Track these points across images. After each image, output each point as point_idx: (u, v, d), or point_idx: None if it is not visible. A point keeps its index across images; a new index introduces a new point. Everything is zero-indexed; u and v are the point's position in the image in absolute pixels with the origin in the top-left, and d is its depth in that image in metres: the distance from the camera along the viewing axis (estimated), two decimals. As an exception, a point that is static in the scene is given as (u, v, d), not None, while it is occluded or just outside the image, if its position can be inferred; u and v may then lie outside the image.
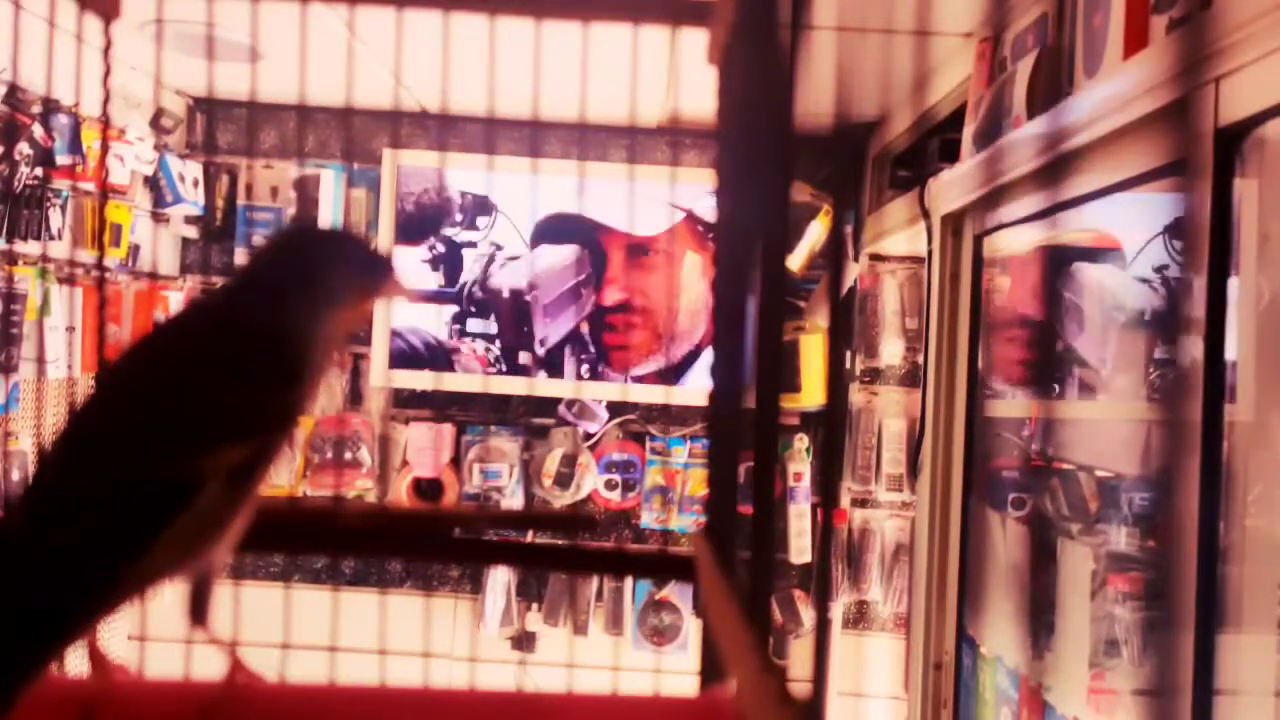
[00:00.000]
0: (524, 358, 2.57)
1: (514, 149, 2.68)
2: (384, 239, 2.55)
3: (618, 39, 0.86)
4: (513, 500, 2.62)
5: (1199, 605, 0.96)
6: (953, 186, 1.75)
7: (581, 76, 1.01)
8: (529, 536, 1.23)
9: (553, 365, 2.57)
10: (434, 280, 2.57)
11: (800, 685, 0.45)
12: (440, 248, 2.57)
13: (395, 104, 2.50)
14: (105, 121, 0.88)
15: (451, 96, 2.32)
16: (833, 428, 1.74)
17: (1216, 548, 0.98)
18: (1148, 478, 1.37)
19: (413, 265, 2.56)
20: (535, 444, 2.63)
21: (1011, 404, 1.75)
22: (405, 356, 2.57)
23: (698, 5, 0.85)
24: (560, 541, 1.01)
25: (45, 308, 2.05)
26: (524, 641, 2.64)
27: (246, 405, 0.60)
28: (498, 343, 2.57)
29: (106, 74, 0.82)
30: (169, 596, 0.60)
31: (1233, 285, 1.00)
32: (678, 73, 2.05)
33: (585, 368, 2.57)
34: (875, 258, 2.58)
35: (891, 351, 2.60)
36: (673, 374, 2.59)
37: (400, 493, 2.64)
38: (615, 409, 2.65)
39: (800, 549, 2.52)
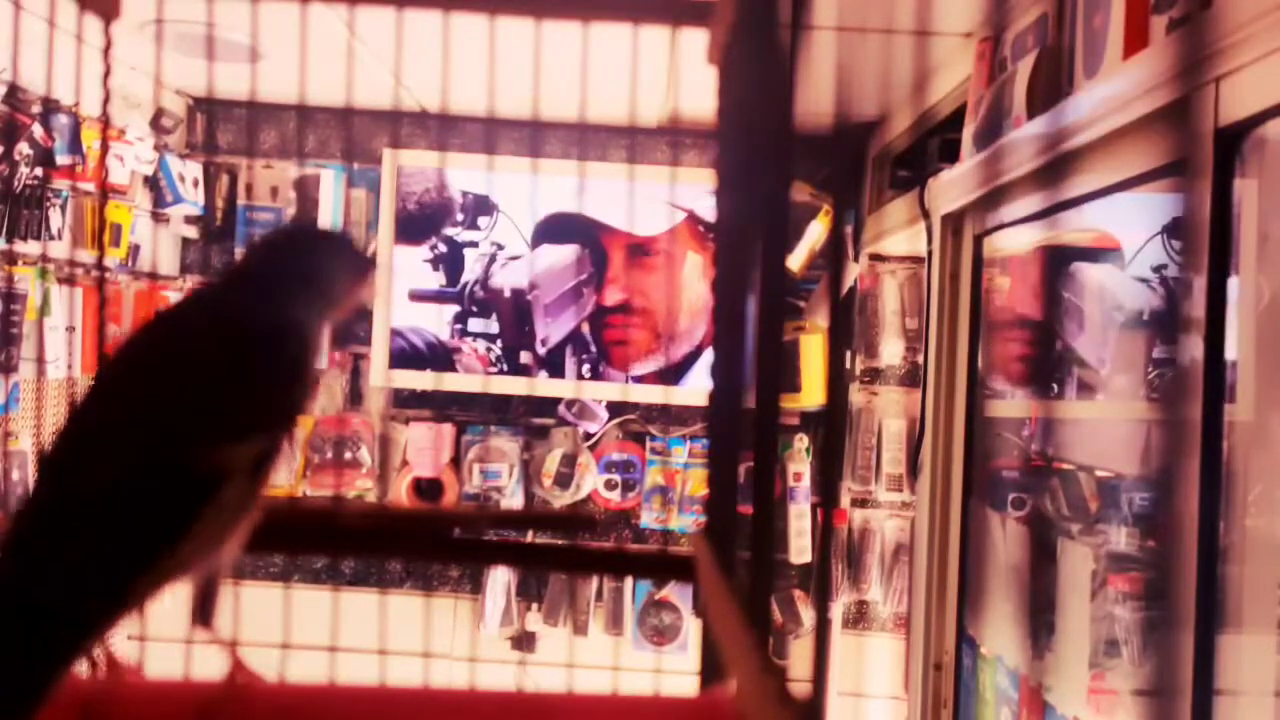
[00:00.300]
0: (525, 357, 2.57)
1: (514, 149, 2.68)
2: (384, 239, 2.55)
3: (618, 39, 0.86)
4: (513, 500, 2.62)
5: (1199, 605, 0.96)
6: (953, 186, 1.75)
7: (581, 76, 1.01)
8: (529, 536, 1.23)
9: (554, 365, 2.57)
10: (435, 280, 2.57)
11: (800, 685, 0.45)
12: (442, 247, 2.57)
13: (395, 104, 2.50)
14: (105, 121, 0.88)
15: (451, 96, 2.32)
16: (833, 428, 1.74)
17: (1216, 548, 0.98)
18: (1148, 478, 1.37)
19: (414, 265, 2.56)
20: (535, 444, 2.63)
21: (1011, 404, 1.75)
22: (406, 356, 2.57)
23: (698, 5, 0.85)
24: (560, 541, 1.01)
25: (45, 308, 2.05)
26: (524, 641, 2.64)
27: (261, 399, 0.61)
28: (499, 342, 2.57)
29: (106, 74, 0.82)
30: (168, 597, 0.60)
31: (1233, 285, 1.00)
32: (678, 73, 2.05)
33: (586, 368, 2.57)
34: (875, 258, 2.58)
35: (891, 351, 2.60)
36: (673, 374, 2.59)
37: (400, 493, 2.64)
38: (615, 409, 2.65)
39: (800, 549, 2.52)
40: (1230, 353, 1.01)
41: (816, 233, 2.39)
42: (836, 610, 2.61)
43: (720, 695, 0.67)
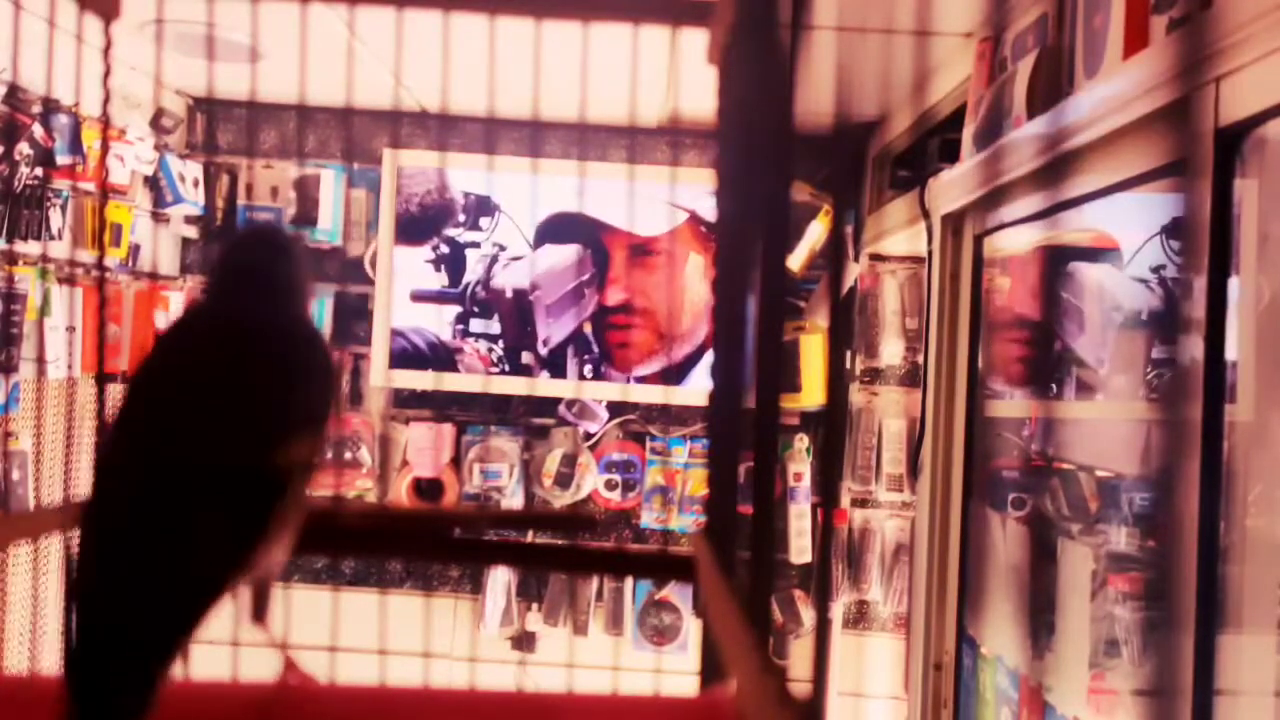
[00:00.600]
0: (527, 358, 2.57)
1: (514, 149, 2.68)
2: (384, 239, 2.55)
3: (618, 39, 0.86)
4: (513, 500, 2.62)
5: (1199, 605, 0.96)
6: (953, 186, 1.75)
7: (581, 76, 1.01)
8: (529, 536, 1.23)
9: (555, 365, 2.57)
10: (437, 281, 2.57)
11: (800, 685, 0.45)
12: (444, 248, 2.57)
13: (395, 104, 2.50)
14: (105, 121, 0.88)
15: (451, 96, 2.32)
16: (833, 428, 1.73)
17: (1216, 548, 0.98)
18: (1148, 478, 1.37)
19: (416, 265, 2.56)
20: (535, 444, 2.63)
21: (1011, 404, 1.75)
22: (408, 356, 2.57)
23: (698, 5, 0.85)
24: (560, 541, 1.01)
25: (45, 308, 2.05)
26: (524, 641, 2.64)
27: (312, 398, 0.63)
28: (500, 343, 2.57)
29: (106, 74, 0.82)
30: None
31: (1233, 285, 1.00)
32: (678, 73, 2.05)
33: (588, 368, 2.57)
34: (875, 258, 2.58)
35: (891, 351, 2.60)
36: (675, 374, 2.59)
37: (400, 493, 2.64)
38: (615, 409, 2.65)
39: (800, 549, 2.52)
40: (1230, 353, 1.01)
41: (816, 233, 2.39)
42: (836, 610, 2.61)
43: (720, 695, 0.67)
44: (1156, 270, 1.36)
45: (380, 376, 2.56)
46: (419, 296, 2.57)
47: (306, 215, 2.60)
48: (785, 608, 2.56)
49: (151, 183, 2.38)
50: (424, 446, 2.63)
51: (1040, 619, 1.48)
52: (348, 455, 2.59)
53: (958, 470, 1.78)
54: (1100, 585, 1.36)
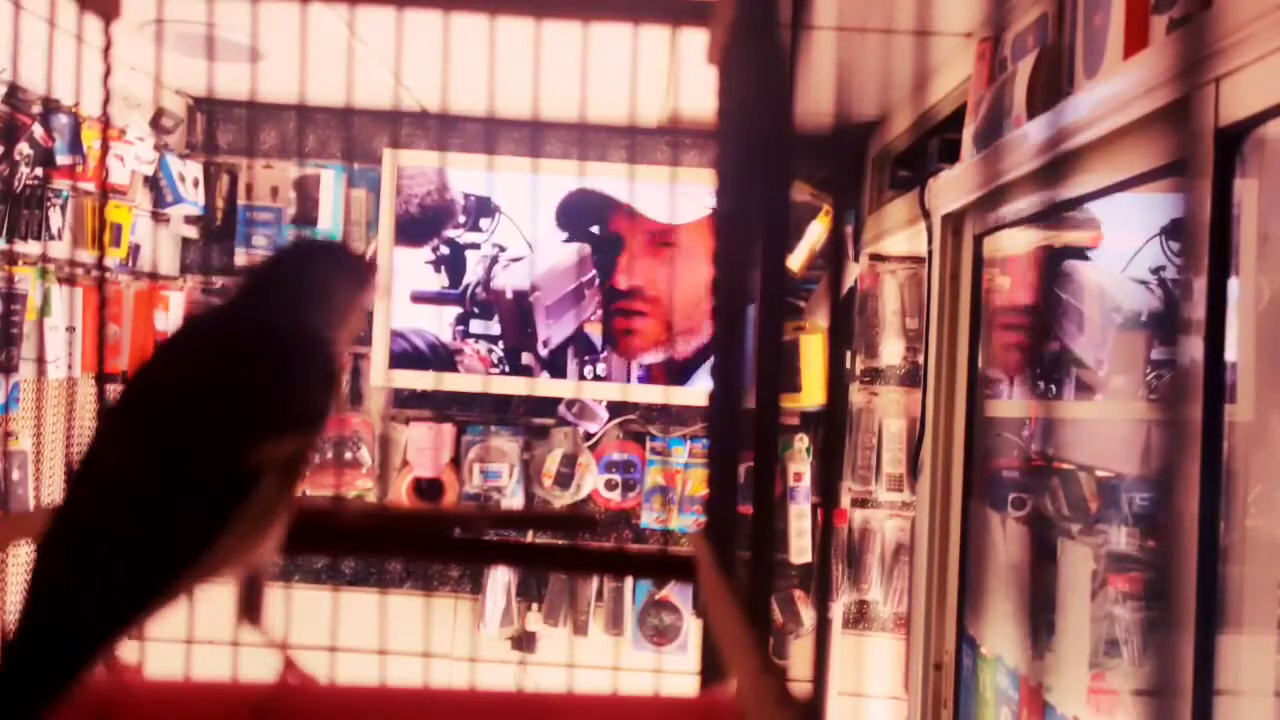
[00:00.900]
0: (527, 359, 2.57)
1: (514, 149, 2.68)
2: (384, 239, 2.55)
3: (618, 39, 0.86)
4: (513, 500, 2.62)
5: (1199, 605, 0.96)
6: (953, 186, 1.75)
7: (581, 76, 1.01)
8: (529, 536, 1.23)
9: (555, 366, 2.57)
10: (437, 282, 2.57)
11: (800, 685, 0.45)
12: (444, 249, 2.57)
13: (395, 104, 2.50)
14: (105, 121, 0.88)
15: (451, 96, 2.32)
16: (833, 428, 1.73)
17: (1216, 548, 0.98)
18: (1148, 478, 1.37)
19: (416, 267, 2.56)
20: (535, 444, 2.63)
21: (1011, 404, 1.75)
22: (408, 357, 2.57)
23: (698, 5, 0.85)
24: (560, 541, 1.01)
25: (45, 308, 2.05)
26: (524, 641, 2.64)
27: (295, 400, 0.63)
28: (501, 344, 2.57)
29: (106, 74, 0.82)
30: (212, 597, 0.61)
31: (1233, 285, 1.00)
32: (678, 73, 2.05)
33: (589, 369, 2.57)
34: (875, 258, 2.58)
35: (891, 351, 2.60)
36: (680, 373, 2.59)
37: (400, 493, 2.64)
38: (615, 409, 2.65)
39: (800, 549, 2.52)
40: (1230, 353, 1.01)
41: (816, 233, 2.39)
42: (836, 610, 2.61)
43: (720, 695, 0.67)
44: (1156, 271, 1.36)
45: (380, 376, 2.56)
46: (419, 298, 2.57)
47: (306, 215, 2.60)
48: (785, 608, 2.56)
49: (151, 183, 2.38)
50: (424, 446, 2.63)
51: (1040, 619, 1.48)
52: (348, 455, 2.59)
53: (958, 470, 1.78)
54: (1100, 585, 1.36)
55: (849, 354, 2.58)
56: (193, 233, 2.64)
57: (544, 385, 2.57)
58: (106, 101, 0.84)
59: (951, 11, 1.72)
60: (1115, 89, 1.13)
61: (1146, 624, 1.29)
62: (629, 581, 2.58)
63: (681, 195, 2.55)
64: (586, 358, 2.57)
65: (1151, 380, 1.35)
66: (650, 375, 2.58)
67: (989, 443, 1.77)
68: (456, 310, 2.57)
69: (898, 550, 2.62)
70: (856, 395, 2.63)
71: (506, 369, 2.56)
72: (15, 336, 1.97)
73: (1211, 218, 0.97)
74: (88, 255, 2.23)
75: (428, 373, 2.56)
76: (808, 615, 2.55)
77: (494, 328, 2.57)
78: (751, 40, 0.67)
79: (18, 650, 0.51)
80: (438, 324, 2.56)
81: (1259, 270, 1.06)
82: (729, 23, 0.76)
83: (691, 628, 2.59)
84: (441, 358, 2.56)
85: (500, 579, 2.63)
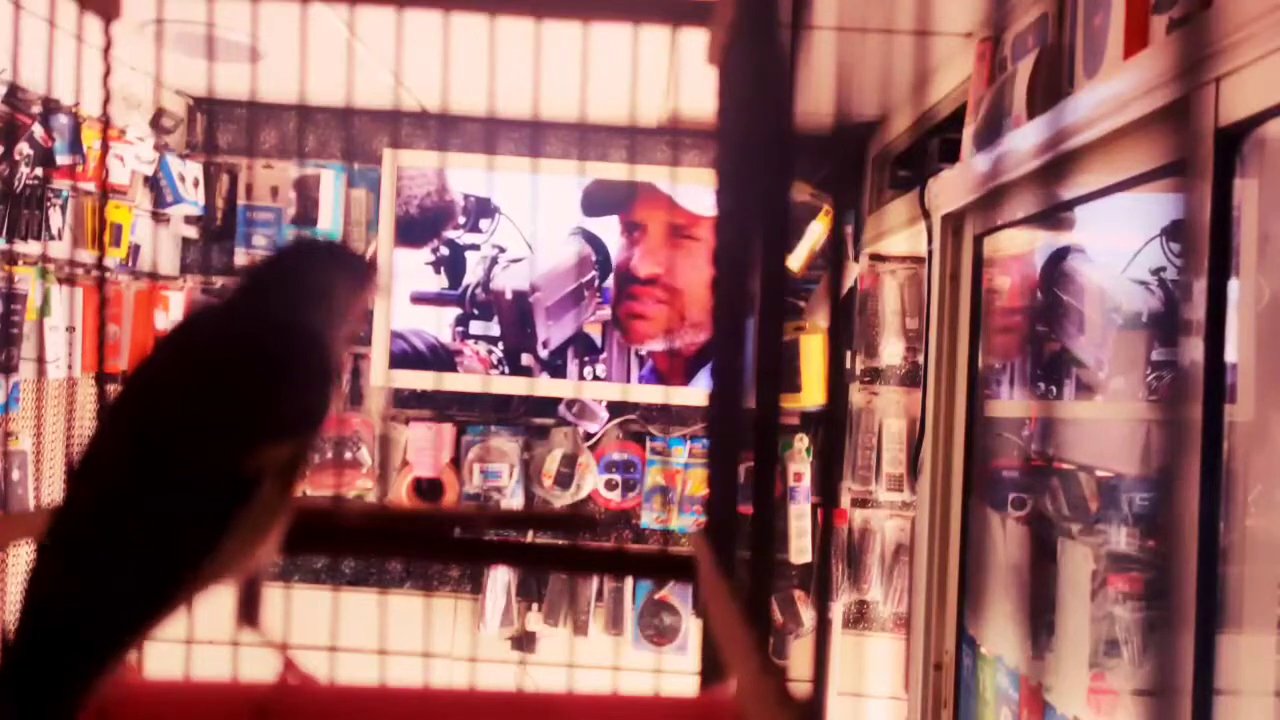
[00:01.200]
0: (526, 360, 2.57)
1: (514, 149, 2.68)
2: (384, 239, 2.55)
3: (618, 39, 0.86)
4: (513, 500, 2.62)
5: (1199, 605, 0.96)
6: (953, 186, 1.75)
7: (581, 76, 1.01)
8: (529, 536, 1.23)
9: (555, 367, 2.57)
10: (437, 283, 2.57)
11: (800, 685, 0.45)
12: (443, 250, 2.57)
13: (395, 104, 2.50)
14: (105, 121, 0.88)
15: (451, 96, 2.32)
16: (833, 428, 1.74)
17: (1216, 548, 0.98)
18: (1148, 478, 1.37)
19: (415, 267, 2.56)
20: (535, 444, 2.63)
21: (1011, 404, 1.75)
22: (408, 358, 2.57)
23: (698, 5, 0.85)
24: (560, 541, 1.01)
25: (45, 308, 2.05)
26: (524, 641, 2.64)
27: (294, 403, 0.62)
28: (500, 345, 2.57)
29: (106, 74, 0.82)
30: (212, 599, 0.61)
31: (1233, 286, 1.00)
32: (678, 73, 2.05)
33: (589, 369, 2.57)
34: (875, 258, 2.58)
35: (891, 351, 2.60)
36: (683, 371, 2.59)
37: (400, 493, 2.64)
38: (615, 409, 2.65)
39: (800, 549, 2.52)
40: (1230, 354, 1.01)
41: (816, 233, 2.39)
42: (836, 610, 2.61)
43: (720, 695, 0.67)
44: (1156, 271, 1.36)
45: (380, 377, 2.56)
46: (418, 299, 2.57)
47: (306, 215, 2.60)
48: (785, 608, 2.56)
49: (151, 183, 2.38)
50: (424, 446, 2.63)
51: (1040, 619, 1.48)
52: (348, 455, 2.59)
53: (958, 470, 1.78)
54: (1100, 585, 1.36)
55: (849, 354, 2.58)
56: (193, 233, 2.64)
57: (544, 385, 2.57)
58: (106, 101, 0.84)
59: (951, 11, 1.72)
60: (1115, 89, 1.13)
61: (1146, 624, 1.29)
62: (629, 581, 2.58)
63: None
64: (586, 358, 2.57)
65: (1152, 381, 1.35)
66: (655, 371, 2.57)
67: (989, 443, 1.77)
68: (456, 311, 2.57)
69: (898, 550, 2.62)
70: (856, 395, 2.63)
71: (506, 369, 2.56)
72: (15, 336, 1.97)
73: (1212, 218, 0.97)
74: (88, 255, 2.23)
75: (428, 373, 2.56)
76: (808, 615, 2.55)
77: (494, 328, 2.57)
78: (751, 40, 0.67)
79: (21, 659, 0.51)
80: (437, 325, 2.56)
81: (1259, 271, 1.06)
82: (729, 23, 0.76)
83: (691, 628, 2.59)
84: (441, 359, 2.56)
85: (500, 579, 2.63)
